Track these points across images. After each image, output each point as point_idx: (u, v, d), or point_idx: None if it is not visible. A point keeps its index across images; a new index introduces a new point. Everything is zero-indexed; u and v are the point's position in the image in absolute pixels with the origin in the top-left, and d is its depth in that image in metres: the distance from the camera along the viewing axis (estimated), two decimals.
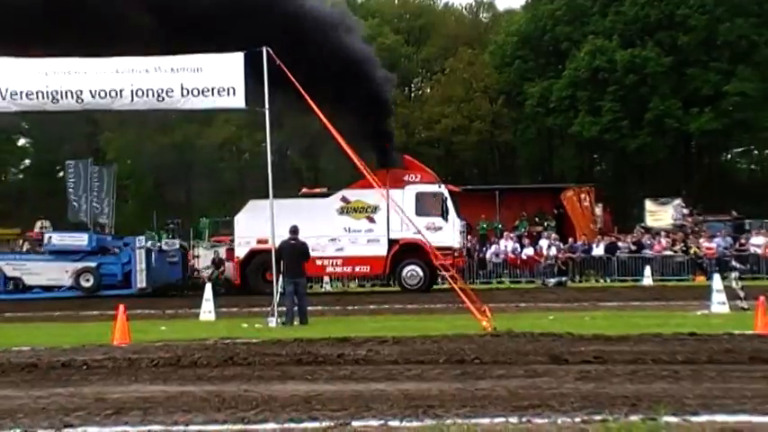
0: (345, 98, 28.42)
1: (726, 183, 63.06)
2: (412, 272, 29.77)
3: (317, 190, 35.95)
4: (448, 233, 29.84)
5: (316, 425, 8.61)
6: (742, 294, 19.87)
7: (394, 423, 8.59)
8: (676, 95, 54.67)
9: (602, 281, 34.49)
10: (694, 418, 8.28)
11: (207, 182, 60.86)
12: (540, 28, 59.50)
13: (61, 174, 65.19)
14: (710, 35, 53.82)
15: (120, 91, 20.25)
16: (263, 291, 28.93)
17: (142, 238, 32.35)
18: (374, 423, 8.61)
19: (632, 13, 55.19)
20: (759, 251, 35.07)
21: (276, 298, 19.33)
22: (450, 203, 30.00)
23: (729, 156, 66.73)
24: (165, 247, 32.76)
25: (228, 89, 19.87)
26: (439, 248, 29.18)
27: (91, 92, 20.32)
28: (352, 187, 30.65)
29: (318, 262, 29.75)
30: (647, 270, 32.89)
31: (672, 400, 9.11)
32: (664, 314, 19.33)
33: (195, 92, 20.07)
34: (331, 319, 20.57)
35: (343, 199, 30.13)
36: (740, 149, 65.18)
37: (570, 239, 36.23)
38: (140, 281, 30.78)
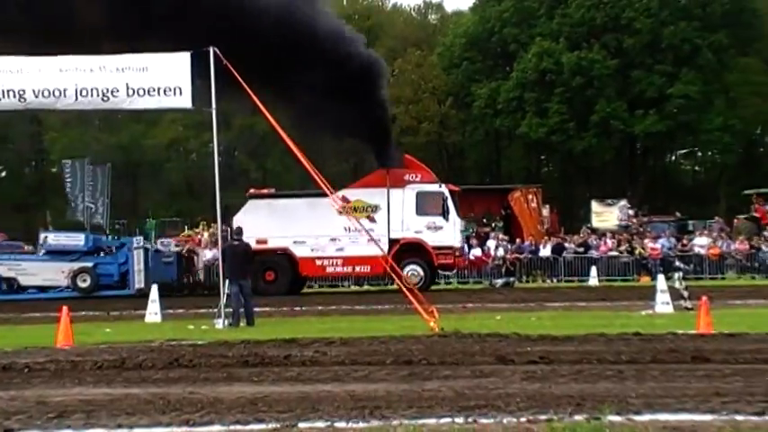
0: (333, 93, 28.14)
1: (670, 184, 64.02)
2: (413, 271, 29.62)
3: (265, 191, 35.72)
4: (449, 233, 29.92)
5: (262, 426, 8.55)
6: (686, 294, 20.09)
7: (340, 424, 8.56)
8: (622, 98, 55.37)
9: (548, 281, 34.74)
10: (637, 418, 8.34)
11: (153, 182, 60.43)
12: (488, 30, 59.87)
13: (3, 174, 64.57)
14: (655, 38, 54.59)
15: (64, 90, 19.96)
16: (264, 291, 28.97)
17: (140, 238, 32.05)
18: (321, 424, 8.58)
19: (578, 16, 55.77)
20: (702, 251, 35.54)
21: (223, 299, 19.21)
22: (450, 203, 30.01)
23: (673, 157, 67.67)
24: (160, 248, 32.33)
25: (175, 89, 19.66)
26: (440, 248, 29.27)
27: (34, 91, 20.00)
28: (351, 187, 30.62)
29: (318, 262, 29.93)
30: (593, 270, 33.20)
31: (616, 399, 9.18)
32: (609, 314, 19.49)
33: (141, 92, 19.85)
34: (278, 321, 20.49)
35: (343, 198, 29.83)
36: (684, 151, 66.13)
37: (518, 240, 36.45)
38: (138, 281, 30.40)
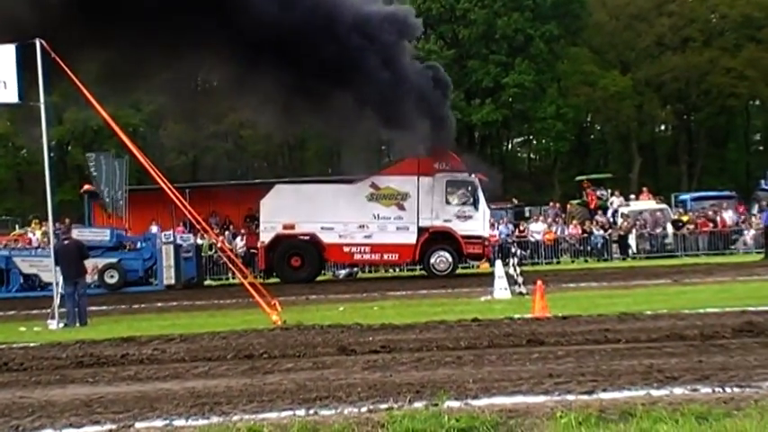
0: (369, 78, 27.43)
1: (507, 171, 65.61)
2: (441, 258, 29.40)
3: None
4: (478, 222, 29.67)
5: (97, 428, 8.33)
6: (520, 280, 20.61)
7: (179, 422, 8.42)
8: (459, 87, 56.30)
9: (391, 271, 35.00)
10: (475, 402, 8.49)
11: None
12: None
13: None
14: (489, 29, 55.78)
15: None
16: (289, 277, 28.59)
17: (169, 233, 30.49)
18: (159, 423, 8.42)
19: (415, 7, 56.33)
20: (538, 237, 36.56)
21: (57, 300, 18.59)
22: (480, 192, 29.70)
23: (510, 145, 69.38)
24: (180, 242, 30.76)
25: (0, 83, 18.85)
26: (469, 237, 29.09)
27: None
28: (381, 173, 30.08)
29: (346, 249, 29.47)
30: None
31: (454, 385, 9.32)
32: (449, 301, 19.78)
33: None
34: (116, 319, 19.90)
35: (373, 185, 29.39)
36: (520, 139, 67.89)
37: None
38: (168, 277, 29.41)
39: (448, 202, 29.58)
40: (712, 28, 60.51)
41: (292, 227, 29.17)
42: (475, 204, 29.69)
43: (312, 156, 65.90)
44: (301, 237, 29.43)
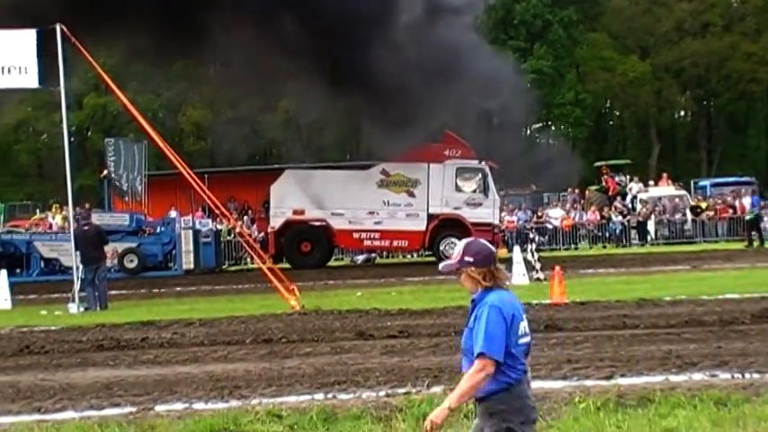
0: None
1: (525, 157, 65.32)
2: (450, 244, 28.63)
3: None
4: (488, 209, 29.51)
5: (117, 411, 8.40)
6: (538, 266, 20.55)
7: (199, 405, 8.50)
8: None
9: (409, 256, 34.96)
10: None
11: (1, 165, 58.30)
12: None
13: None
14: (508, 14, 55.53)
15: None
16: (298, 263, 28.39)
17: (189, 218, 30.63)
18: (179, 406, 8.50)
19: None
20: (556, 223, 36.45)
21: (77, 284, 18.67)
22: (490, 180, 29.53)
23: (529, 131, 69.09)
24: (198, 227, 30.83)
25: (20, 68, 18.90)
26: (478, 224, 28.70)
27: None
28: (392, 161, 29.96)
29: (356, 235, 29.40)
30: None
31: None
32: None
33: None
34: (136, 303, 20.00)
35: (383, 172, 29.30)
36: (539, 125, 67.59)
37: None
38: (187, 262, 29.28)
39: (458, 190, 29.44)
40: (733, 13, 60.03)
41: (302, 212, 29.16)
42: (485, 191, 29.50)
43: (331, 142, 65.74)
44: (311, 222, 29.42)
